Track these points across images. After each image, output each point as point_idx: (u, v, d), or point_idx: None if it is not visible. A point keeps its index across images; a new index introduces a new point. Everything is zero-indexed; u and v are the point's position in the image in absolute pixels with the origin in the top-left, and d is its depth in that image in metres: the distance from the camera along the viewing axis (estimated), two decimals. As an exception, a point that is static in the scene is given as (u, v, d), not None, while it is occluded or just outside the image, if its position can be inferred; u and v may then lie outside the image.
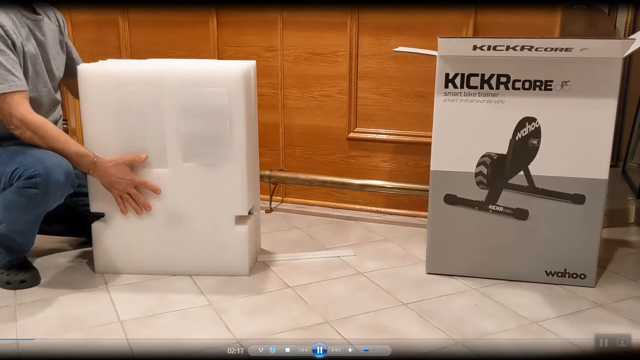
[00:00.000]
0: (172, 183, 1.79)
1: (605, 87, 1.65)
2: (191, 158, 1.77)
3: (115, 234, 1.84)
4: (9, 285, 1.75)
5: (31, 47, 1.76)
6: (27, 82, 1.73)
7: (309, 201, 2.60)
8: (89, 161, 1.71)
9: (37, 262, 1.91)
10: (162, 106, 1.74)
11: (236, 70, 1.71)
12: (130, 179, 1.74)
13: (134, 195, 1.77)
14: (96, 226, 1.85)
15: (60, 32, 1.92)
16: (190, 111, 1.74)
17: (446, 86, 1.74)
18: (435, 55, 1.75)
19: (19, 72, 1.69)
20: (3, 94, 1.65)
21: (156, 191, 1.78)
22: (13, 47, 1.68)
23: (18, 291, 1.73)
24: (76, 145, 1.72)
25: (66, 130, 3.12)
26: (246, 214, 1.82)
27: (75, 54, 2.00)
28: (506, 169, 1.76)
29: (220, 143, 1.76)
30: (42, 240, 2.07)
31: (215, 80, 1.72)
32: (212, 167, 1.78)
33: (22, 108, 1.68)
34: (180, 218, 1.82)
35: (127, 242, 1.84)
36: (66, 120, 3.00)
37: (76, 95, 1.80)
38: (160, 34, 2.56)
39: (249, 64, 1.82)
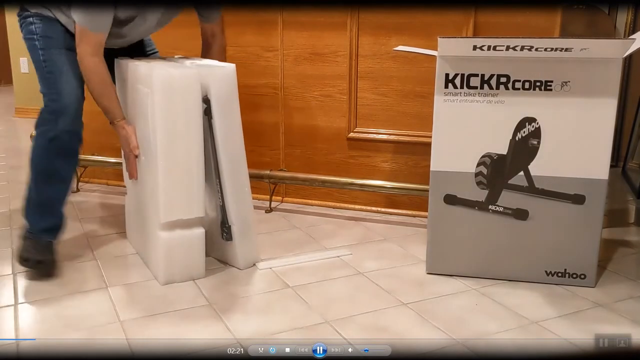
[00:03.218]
0: (141, 171, 1.87)
1: (605, 87, 1.65)
2: (141, 152, 1.85)
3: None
4: (25, 262, 1.80)
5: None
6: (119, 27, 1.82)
7: (309, 201, 2.60)
8: (111, 118, 1.84)
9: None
10: (132, 97, 1.87)
11: (164, 74, 1.68)
12: (129, 150, 1.85)
13: (130, 161, 1.88)
14: None
15: None
16: (139, 106, 1.80)
17: (446, 86, 1.74)
18: (435, 55, 1.75)
19: (103, 20, 1.75)
20: (83, 28, 1.74)
21: (131, 175, 1.89)
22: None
23: (18, 291, 1.74)
24: (108, 100, 1.82)
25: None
26: (162, 221, 1.74)
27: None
28: (506, 169, 1.76)
29: (147, 143, 1.77)
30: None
31: (146, 80, 1.73)
32: (148, 166, 1.79)
33: (88, 47, 1.76)
34: (142, 206, 1.89)
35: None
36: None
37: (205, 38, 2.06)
38: (160, 34, 2.55)
39: (204, 69, 1.76)
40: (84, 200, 2.64)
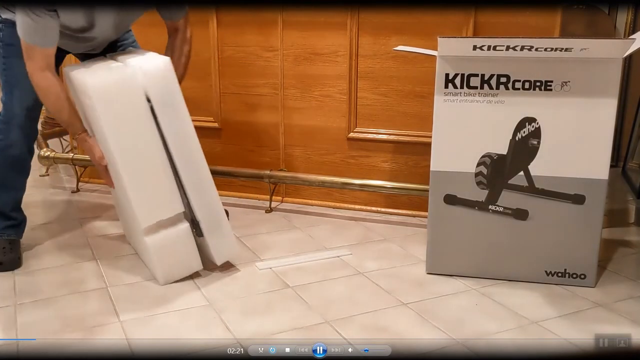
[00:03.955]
0: (113, 179, 1.82)
1: (605, 87, 1.65)
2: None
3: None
4: None
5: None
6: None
7: (309, 201, 2.60)
8: (72, 132, 1.82)
9: (37, 262, 1.92)
10: (82, 108, 1.80)
11: (98, 82, 1.63)
12: (97, 162, 1.78)
13: (102, 172, 1.81)
14: None
15: None
16: (89, 116, 1.76)
17: (446, 86, 1.74)
18: (435, 55, 1.75)
19: (49, 34, 1.68)
20: (28, 43, 1.68)
21: (108, 184, 1.83)
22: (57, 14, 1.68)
23: (18, 291, 1.73)
24: (66, 114, 1.77)
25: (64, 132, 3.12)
26: (142, 227, 1.71)
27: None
28: (506, 169, 1.76)
29: (105, 152, 1.73)
30: (41, 240, 2.08)
31: (84, 91, 1.67)
32: (115, 175, 1.75)
33: (37, 62, 1.69)
34: (125, 212, 1.87)
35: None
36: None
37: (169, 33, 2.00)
38: (159, 34, 2.56)
39: (137, 68, 1.70)
40: (84, 200, 2.64)
